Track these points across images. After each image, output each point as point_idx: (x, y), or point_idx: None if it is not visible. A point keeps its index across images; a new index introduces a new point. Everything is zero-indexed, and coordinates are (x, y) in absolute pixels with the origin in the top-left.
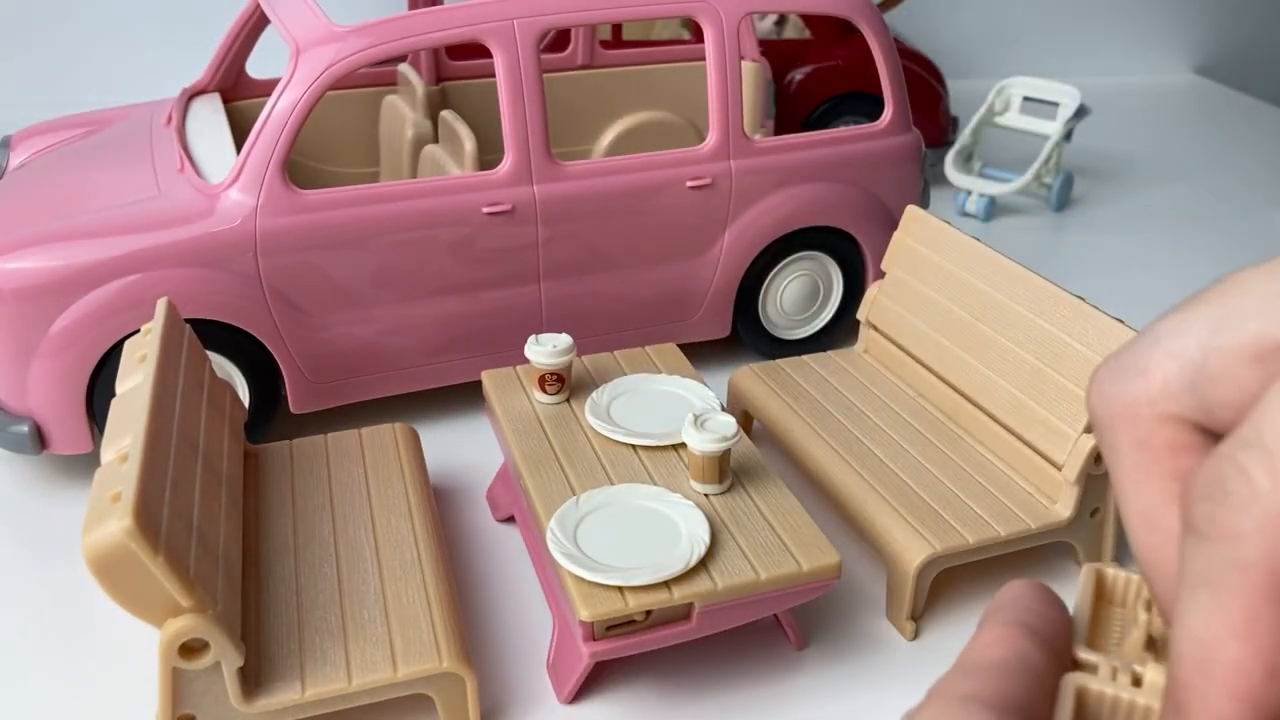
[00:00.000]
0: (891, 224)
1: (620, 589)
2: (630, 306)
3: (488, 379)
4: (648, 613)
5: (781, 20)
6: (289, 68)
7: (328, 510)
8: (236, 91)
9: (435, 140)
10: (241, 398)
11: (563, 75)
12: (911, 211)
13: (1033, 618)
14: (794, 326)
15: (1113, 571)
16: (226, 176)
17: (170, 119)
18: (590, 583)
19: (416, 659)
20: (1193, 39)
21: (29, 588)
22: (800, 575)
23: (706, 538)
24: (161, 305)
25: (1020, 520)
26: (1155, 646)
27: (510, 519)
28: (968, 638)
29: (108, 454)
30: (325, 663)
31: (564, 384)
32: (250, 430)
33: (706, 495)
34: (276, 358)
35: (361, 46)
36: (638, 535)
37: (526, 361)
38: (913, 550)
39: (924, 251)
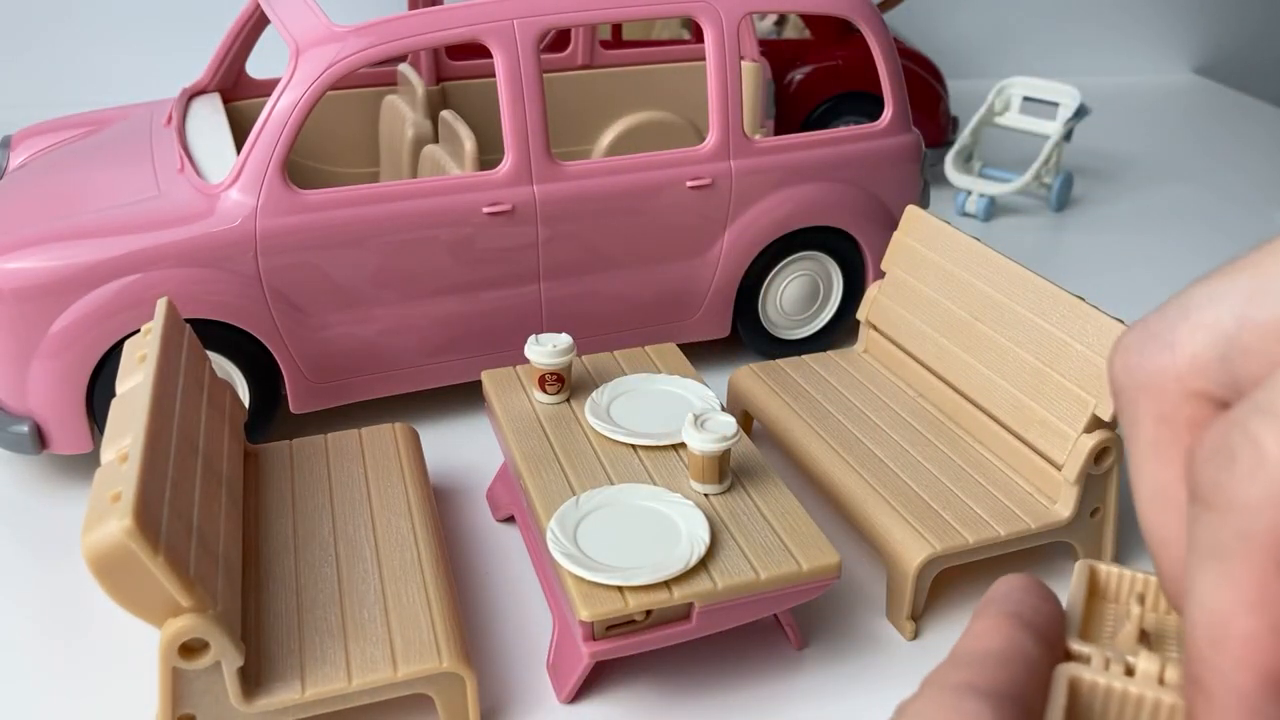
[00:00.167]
0: (891, 224)
1: (620, 589)
2: (630, 306)
3: (488, 379)
4: (648, 613)
5: (781, 20)
6: (289, 68)
7: (328, 510)
8: (236, 91)
9: (435, 140)
10: (241, 398)
11: (563, 75)
12: (911, 211)
13: (1026, 610)
14: (794, 326)
15: (1105, 568)
16: (226, 176)
17: (170, 119)
18: (590, 583)
19: (416, 659)
20: (1193, 39)
21: (29, 588)
22: (800, 575)
23: (706, 538)
24: (161, 305)
25: (1020, 520)
26: (1148, 639)
27: (510, 519)
28: None
29: (108, 454)
30: (325, 662)
31: (564, 384)
32: (250, 430)
33: (706, 495)
34: (276, 358)
35: (361, 46)
36: (638, 535)
37: (526, 361)
38: (913, 550)
39: (924, 251)
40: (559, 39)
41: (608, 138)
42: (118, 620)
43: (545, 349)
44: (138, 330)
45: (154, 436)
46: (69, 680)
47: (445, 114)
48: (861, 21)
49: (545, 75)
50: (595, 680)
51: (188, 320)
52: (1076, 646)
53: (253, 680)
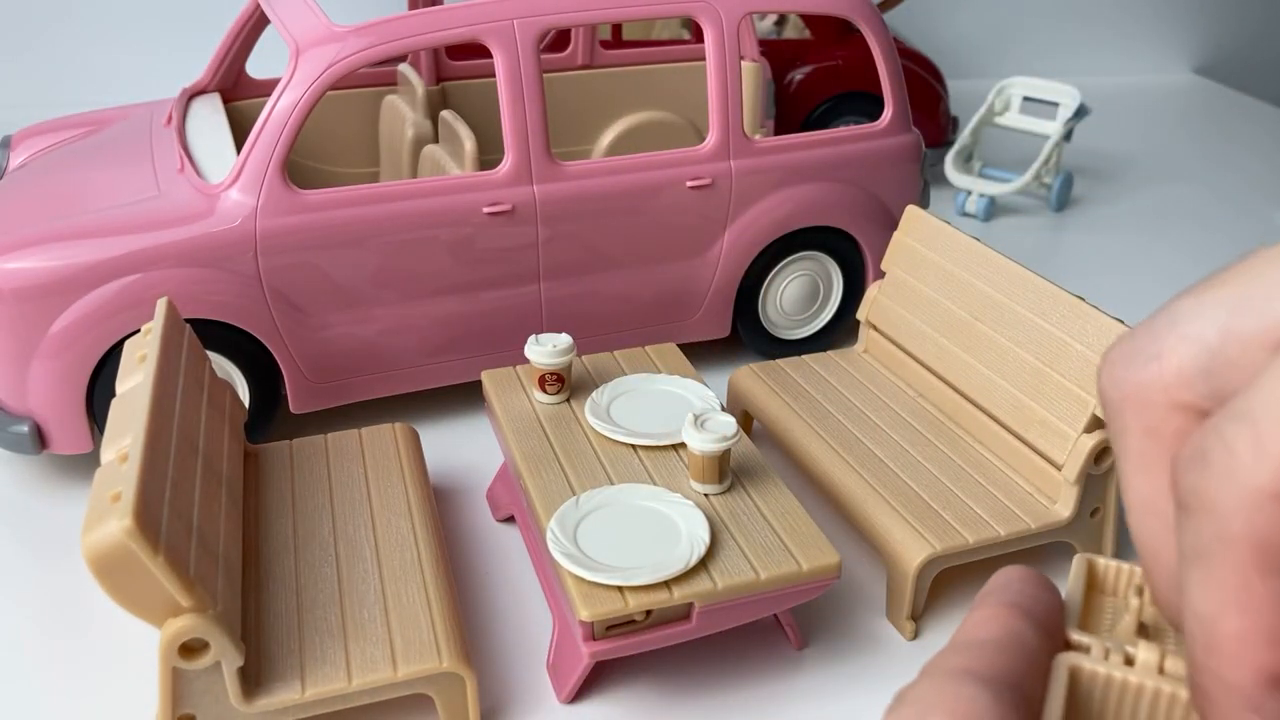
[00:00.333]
0: (891, 224)
1: (620, 589)
2: (630, 306)
3: (488, 379)
4: (648, 613)
5: (781, 20)
6: (289, 68)
7: (328, 510)
8: (236, 91)
9: (435, 140)
10: (241, 398)
11: (563, 75)
12: (911, 211)
13: (1026, 599)
14: (794, 326)
15: (1104, 561)
16: (226, 176)
17: (170, 119)
18: (590, 583)
19: (416, 659)
20: (1193, 39)
21: (29, 588)
22: (800, 575)
23: (706, 538)
24: (161, 305)
25: (1020, 520)
26: (1147, 632)
27: (510, 519)
28: None
29: (108, 454)
30: (325, 662)
31: (564, 384)
32: (250, 430)
33: (706, 495)
34: (276, 358)
35: (361, 46)
36: (638, 535)
37: (526, 361)
38: (913, 550)
39: (924, 251)
40: (559, 39)
41: (608, 138)
42: (118, 620)
43: (545, 349)
44: (138, 330)
45: (154, 436)
46: (69, 680)
47: (445, 114)
48: (861, 21)
49: (545, 75)
50: (595, 680)
51: (188, 320)
52: (1076, 636)
53: (253, 680)
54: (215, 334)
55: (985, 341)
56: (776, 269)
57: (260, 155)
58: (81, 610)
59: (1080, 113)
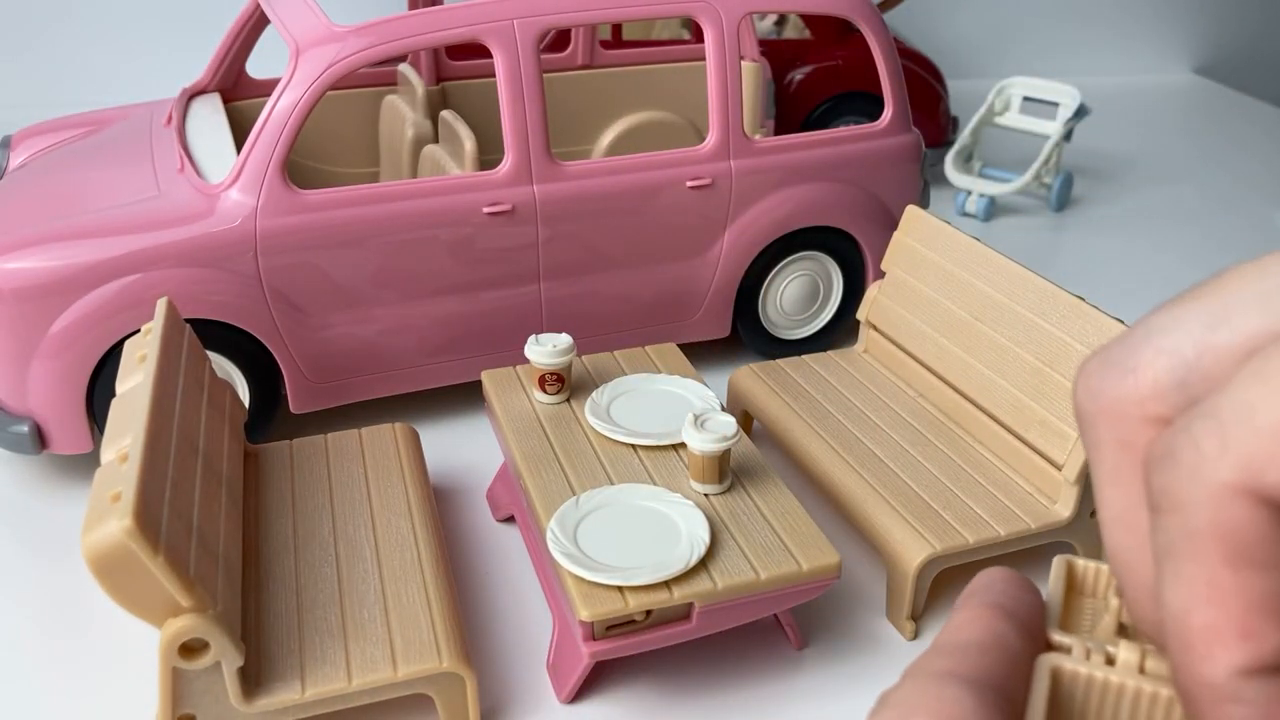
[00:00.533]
0: (891, 224)
1: (620, 589)
2: (630, 306)
3: (488, 379)
4: (648, 613)
5: (781, 20)
6: (289, 68)
7: (328, 510)
8: (236, 91)
9: (435, 140)
10: (241, 398)
11: (563, 75)
12: (911, 211)
13: (1007, 600)
14: (794, 326)
15: (1083, 563)
16: (226, 177)
17: (170, 119)
18: (590, 583)
19: (416, 659)
20: (1193, 39)
21: (29, 588)
22: (800, 575)
23: (706, 538)
24: (161, 305)
25: (1020, 520)
26: (1127, 632)
27: (510, 519)
28: None
29: (108, 454)
30: (325, 662)
31: (564, 384)
32: (250, 430)
33: (706, 495)
34: (276, 358)
35: (361, 46)
36: (638, 535)
37: (526, 361)
38: (913, 550)
39: (924, 251)
40: (559, 39)
41: (608, 138)
42: (118, 620)
43: (545, 349)
44: (138, 330)
45: (154, 436)
46: (69, 680)
47: (445, 114)
48: (861, 21)
49: (545, 75)
50: (595, 680)
51: (188, 320)
52: (1058, 637)
53: (253, 680)
54: (215, 334)
55: (985, 341)
56: (776, 269)
57: (260, 155)
58: (81, 610)
59: (1080, 113)
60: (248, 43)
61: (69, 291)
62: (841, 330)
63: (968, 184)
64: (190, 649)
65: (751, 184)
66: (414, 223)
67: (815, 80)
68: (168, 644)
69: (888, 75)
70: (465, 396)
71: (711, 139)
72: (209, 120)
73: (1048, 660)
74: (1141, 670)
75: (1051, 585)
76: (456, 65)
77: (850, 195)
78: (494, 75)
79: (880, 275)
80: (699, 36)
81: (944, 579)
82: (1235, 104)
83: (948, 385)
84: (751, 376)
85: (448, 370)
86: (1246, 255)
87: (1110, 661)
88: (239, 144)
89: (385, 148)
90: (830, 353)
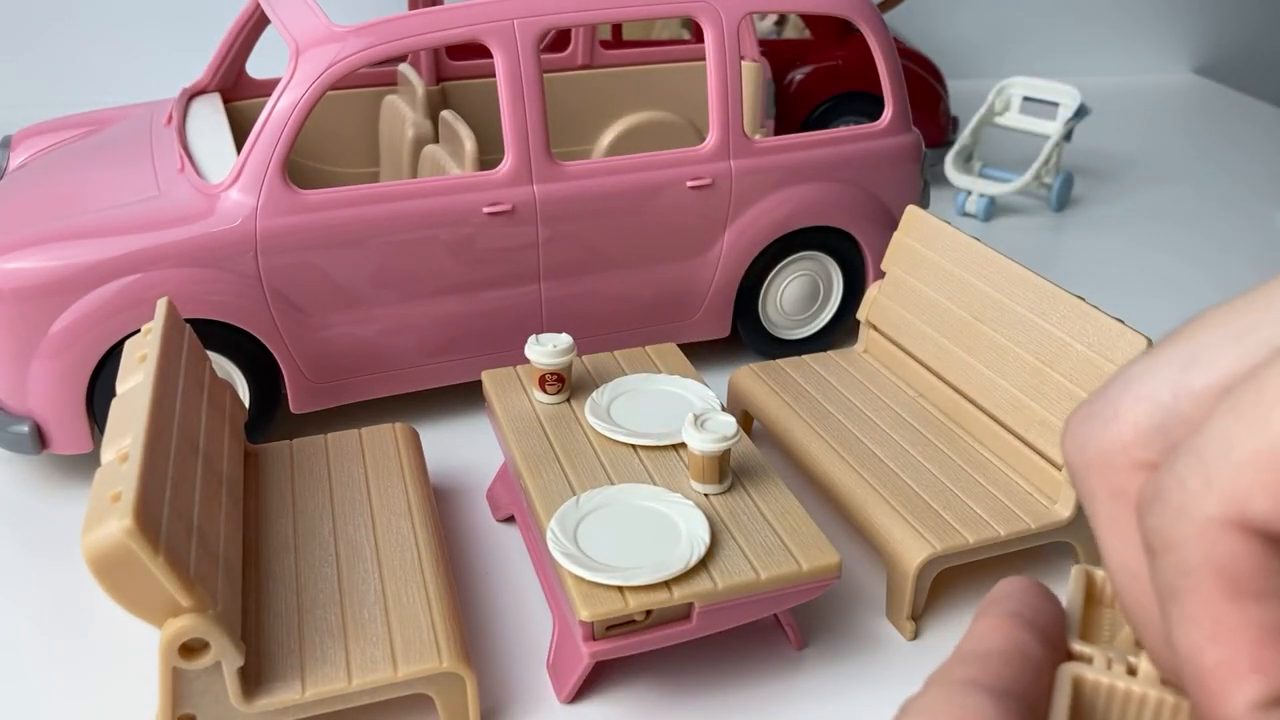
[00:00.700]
0: (891, 224)
1: (620, 589)
2: (630, 306)
3: (488, 379)
4: (648, 613)
5: (781, 20)
6: (289, 68)
7: (328, 510)
8: (236, 91)
9: (435, 140)
10: (241, 398)
11: (563, 75)
12: (911, 211)
13: (1028, 610)
14: (794, 326)
15: (1102, 574)
16: (226, 177)
17: (170, 119)
18: (590, 583)
19: (416, 659)
20: (1193, 39)
21: (29, 588)
22: (800, 575)
23: (706, 538)
24: (162, 305)
25: (1020, 520)
26: None
27: (510, 519)
28: None
29: (108, 454)
30: (325, 662)
31: (564, 384)
32: (250, 430)
33: (706, 495)
34: (276, 358)
35: (361, 46)
36: (638, 535)
37: (526, 361)
38: (913, 550)
39: (924, 251)
40: (559, 39)
41: (608, 138)
42: (118, 620)
43: (545, 349)
44: (138, 330)
45: (154, 436)
46: (69, 680)
47: (445, 114)
48: (861, 21)
49: (545, 75)
50: (595, 680)
51: (188, 320)
52: (1078, 647)
53: (253, 680)
54: (215, 334)
55: (985, 341)
56: (777, 269)
57: (260, 155)
58: (81, 610)
59: (1080, 113)
60: (248, 43)
61: (69, 291)
62: (841, 330)
63: (968, 184)
64: (190, 649)
65: (751, 184)
66: (414, 223)
67: (815, 80)
68: (168, 644)
69: (888, 75)
70: (465, 396)
71: (711, 139)
72: (209, 120)
73: (1069, 670)
74: (1163, 681)
75: (1070, 595)
76: (456, 65)
77: (850, 195)
78: (494, 75)
79: (880, 275)
80: (699, 36)
81: (944, 579)
82: (1235, 104)
83: (948, 385)
84: (751, 376)
85: (448, 370)
86: (1246, 255)
87: (1132, 671)
88: (239, 144)
89: (385, 148)
90: (830, 353)
